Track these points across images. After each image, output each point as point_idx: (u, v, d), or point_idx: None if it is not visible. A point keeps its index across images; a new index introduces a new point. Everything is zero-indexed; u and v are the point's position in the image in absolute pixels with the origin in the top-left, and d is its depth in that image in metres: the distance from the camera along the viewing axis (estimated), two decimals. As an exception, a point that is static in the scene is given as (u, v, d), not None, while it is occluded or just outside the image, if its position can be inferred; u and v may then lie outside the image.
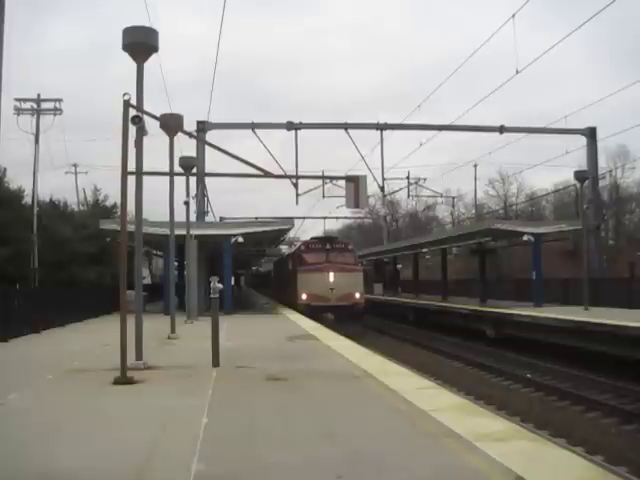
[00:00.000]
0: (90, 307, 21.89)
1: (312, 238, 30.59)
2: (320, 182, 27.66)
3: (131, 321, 8.84)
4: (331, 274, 25.50)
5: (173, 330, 14.58)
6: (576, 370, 15.66)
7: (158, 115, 11.05)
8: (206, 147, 22.89)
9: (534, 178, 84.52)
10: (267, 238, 27.41)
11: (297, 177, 18.91)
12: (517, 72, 22.30)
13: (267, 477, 4.39)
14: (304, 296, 25.44)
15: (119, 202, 11.06)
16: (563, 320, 17.54)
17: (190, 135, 16.43)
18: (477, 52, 49.69)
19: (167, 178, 16.20)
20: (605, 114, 59.95)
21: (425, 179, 36.69)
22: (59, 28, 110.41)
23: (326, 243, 27.68)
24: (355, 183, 10.69)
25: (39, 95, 32.90)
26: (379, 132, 29.44)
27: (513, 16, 20.39)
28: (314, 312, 23.21)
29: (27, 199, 31.84)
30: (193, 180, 23.64)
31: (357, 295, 26.00)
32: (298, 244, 32.29)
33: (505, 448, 4.76)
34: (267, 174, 10.88)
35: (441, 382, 13.43)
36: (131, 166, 9.21)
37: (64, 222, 32.14)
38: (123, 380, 8.05)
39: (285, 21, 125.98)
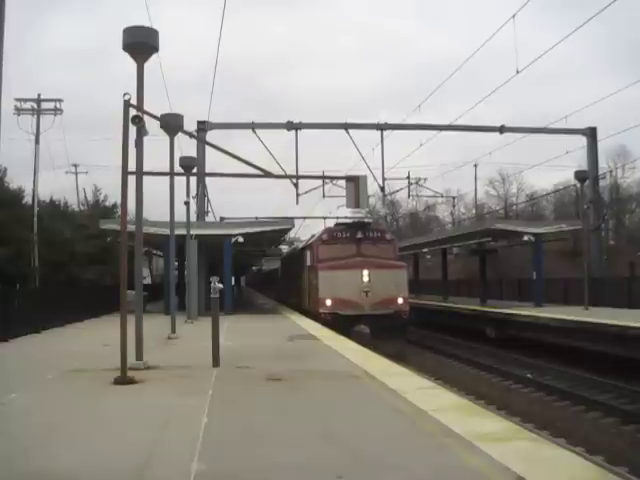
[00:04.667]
0: (90, 307, 21.88)
1: (337, 224, 23.75)
2: (320, 182, 27.61)
3: (131, 321, 8.84)
4: (365, 272, 19.71)
5: (173, 330, 14.60)
6: (576, 370, 15.68)
7: (158, 115, 11.05)
8: (206, 147, 22.87)
9: (534, 178, 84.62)
10: (267, 238, 27.17)
11: (297, 177, 18.87)
12: (517, 72, 22.34)
13: (267, 477, 4.39)
14: (328, 302, 19.71)
15: (119, 202, 11.08)
16: (564, 320, 17.55)
17: (190, 135, 16.45)
18: (478, 52, 49.68)
19: (166, 179, 16.21)
20: (605, 114, 59.94)
21: (425, 179, 36.61)
22: (59, 26, 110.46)
23: (357, 230, 21.42)
24: (355, 183, 10.68)
25: (39, 95, 33.01)
26: (379, 132, 29.43)
27: (513, 16, 20.43)
28: (342, 323, 18.21)
29: (27, 199, 31.97)
30: (193, 180, 23.71)
31: (400, 300, 20.09)
32: (318, 232, 24.55)
33: (505, 448, 4.76)
34: (267, 174, 10.87)
35: (441, 382, 13.43)
36: (131, 166, 9.22)
37: (64, 222, 32.18)
38: (123, 380, 8.05)
39: (286, 20, 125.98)
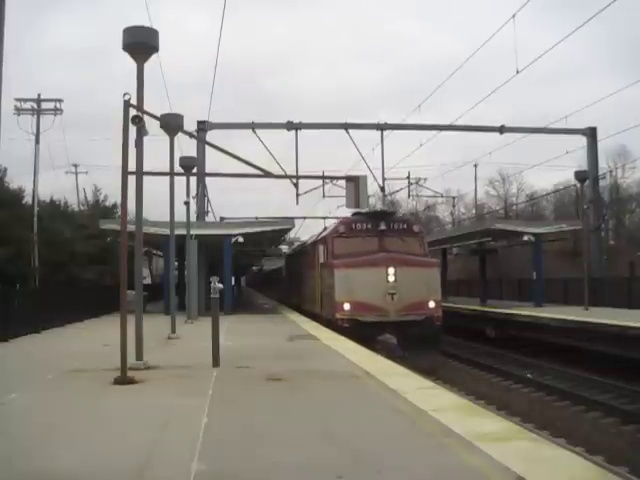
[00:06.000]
0: (90, 307, 21.87)
1: (355, 214, 19.15)
2: (320, 182, 27.57)
3: (131, 321, 8.84)
4: (390, 270, 16.70)
5: (173, 330, 14.60)
6: (576, 370, 15.68)
7: (158, 115, 11.05)
8: (206, 147, 22.87)
9: (534, 178, 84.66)
10: (267, 238, 27.18)
11: (297, 177, 18.82)
12: (517, 72, 22.34)
13: (267, 477, 4.38)
14: (346, 306, 16.75)
15: (119, 202, 11.07)
16: (564, 320, 17.56)
17: (190, 135, 16.47)
18: (478, 52, 49.71)
19: (166, 179, 16.22)
20: (605, 114, 60.04)
21: (425, 179, 36.65)
22: (59, 26, 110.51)
23: (379, 221, 18.24)
24: (355, 183, 10.68)
25: (39, 95, 33.08)
26: (379, 132, 29.42)
27: (513, 16, 20.44)
28: (362, 331, 15.57)
29: (27, 199, 32.03)
30: (193, 180, 23.71)
31: (431, 304, 17.03)
32: (333, 224, 21.31)
33: (505, 448, 4.75)
34: (267, 174, 10.87)
35: (441, 382, 13.42)
36: (131, 166, 9.22)
37: (64, 222, 32.21)
38: (123, 380, 8.05)
39: (286, 20, 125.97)
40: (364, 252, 17.54)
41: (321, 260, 19.44)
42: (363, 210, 18.06)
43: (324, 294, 18.83)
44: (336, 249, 18.23)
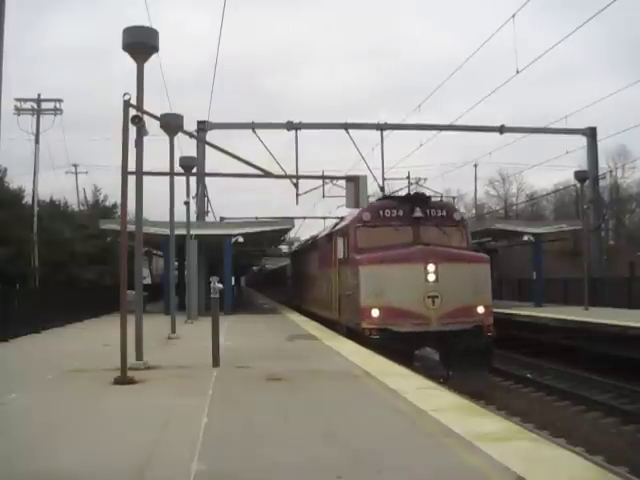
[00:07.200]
0: (90, 307, 21.89)
1: (382, 198, 16.49)
2: (320, 182, 27.46)
3: (131, 321, 8.84)
4: (430, 267, 13.45)
5: (173, 330, 14.61)
6: (576, 370, 15.68)
7: (158, 115, 11.05)
8: (206, 147, 22.86)
9: (534, 178, 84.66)
10: (267, 238, 27.20)
11: (297, 177, 18.75)
12: (517, 72, 22.32)
13: (267, 477, 4.39)
14: (374, 312, 13.51)
15: (119, 202, 11.08)
16: (564, 320, 17.57)
17: (190, 135, 16.45)
18: (478, 52, 49.73)
19: (166, 179, 16.23)
20: (605, 114, 60.04)
21: (425, 179, 36.58)
22: (59, 26, 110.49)
23: (413, 207, 14.87)
24: (355, 183, 10.67)
25: (39, 95, 33.11)
26: (379, 132, 29.40)
27: (513, 16, 20.41)
28: (396, 344, 12.61)
29: (27, 199, 32.08)
30: (193, 180, 23.70)
31: (480, 309, 13.85)
32: (354, 211, 15.44)
33: (505, 448, 4.76)
34: (267, 174, 10.86)
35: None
36: (131, 166, 9.22)
37: (64, 222, 32.25)
38: (123, 380, 8.06)
39: (286, 19, 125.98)
40: (395, 245, 14.29)
41: (340, 255, 15.94)
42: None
43: (344, 297, 15.58)
44: (360, 241, 14.85)
